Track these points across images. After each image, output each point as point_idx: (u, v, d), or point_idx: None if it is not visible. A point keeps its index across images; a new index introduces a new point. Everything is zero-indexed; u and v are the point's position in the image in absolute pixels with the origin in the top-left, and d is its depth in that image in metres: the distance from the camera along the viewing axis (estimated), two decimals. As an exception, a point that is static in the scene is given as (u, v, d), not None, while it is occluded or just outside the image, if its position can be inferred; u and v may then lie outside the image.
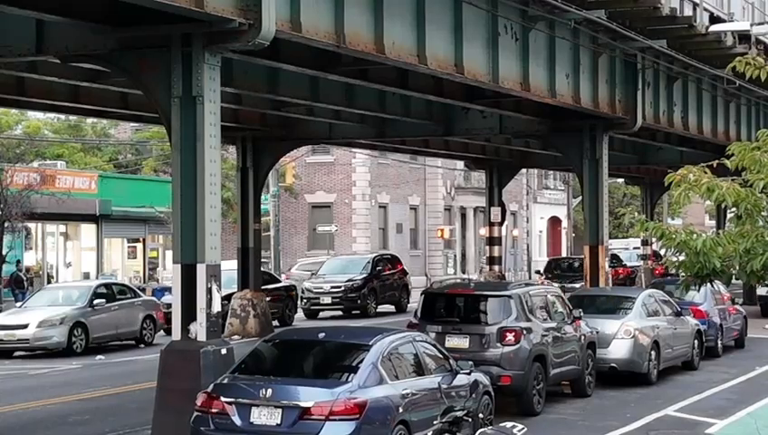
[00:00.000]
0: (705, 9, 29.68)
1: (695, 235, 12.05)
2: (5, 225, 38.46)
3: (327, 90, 27.33)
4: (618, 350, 23.00)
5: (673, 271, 13.65)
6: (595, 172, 31.27)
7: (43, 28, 18.27)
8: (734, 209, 12.55)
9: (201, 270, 17.01)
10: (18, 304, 36.32)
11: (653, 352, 23.60)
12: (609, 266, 35.47)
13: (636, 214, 13.61)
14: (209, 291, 17.05)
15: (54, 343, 30.79)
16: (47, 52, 18.75)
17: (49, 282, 44.33)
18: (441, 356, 16.15)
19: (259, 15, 16.73)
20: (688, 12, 28.74)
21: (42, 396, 22.95)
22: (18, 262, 41.33)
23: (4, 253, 38.85)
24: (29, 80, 24.16)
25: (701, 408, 20.56)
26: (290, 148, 37.12)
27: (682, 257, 12.27)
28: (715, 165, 12.84)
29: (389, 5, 20.25)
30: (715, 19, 30.16)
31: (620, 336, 23.09)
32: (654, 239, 50.68)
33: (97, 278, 44.41)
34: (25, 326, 30.62)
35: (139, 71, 17.97)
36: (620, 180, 67.85)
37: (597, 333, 22.38)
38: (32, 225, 44.71)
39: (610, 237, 43.65)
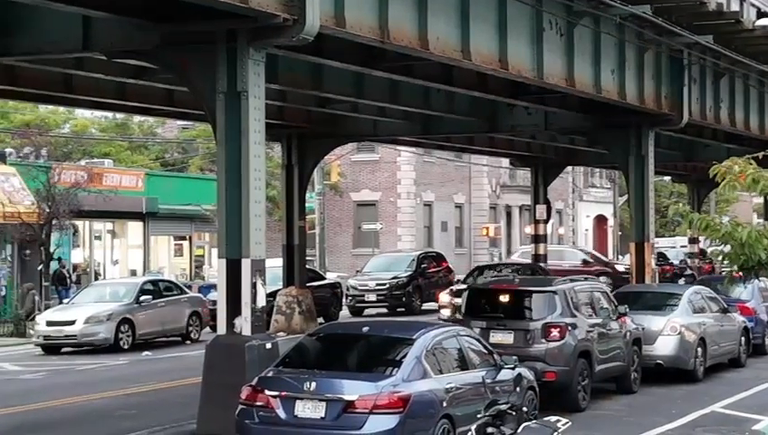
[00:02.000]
0: (752, 4, 29.39)
1: (740, 226, 11.97)
2: (53, 222, 38.76)
3: (371, 86, 27.34)
4: (664, 346, 22.89)
5: (717, 263, 13.56)
6: (641, 169, 31.07)
7: (89, 24, 18.38)
8: None
9: (246, 265, 17.08)
10: (65, 300, 36.66)
11: (699, 349, 23.47)
12: (656, 265, 35.23)
13: (681, 205, 13.51)
14: (254, 286, 17.11)
15: (101, 339, 31.03)
16: (93, 48, 18.88)
17: (96, 279, 44.61)
18: (485, 351, 16.13)
19: (303, 11, 16.76)
20: (735, 7, 28.48)
21: (88, 391, 23.13)
22: (60, 259, 41.64)
23: (51, 250, 39.16)
24: (76, 77, 24.34)
25: (748, 405, 20.40)
26: (334, 145, 37.17)
27: (727, 249, 12.18)
28: (760, 156, 12.74)
29: (433, 1, 20.23)
30: (762, 14, 29.87)
31: (666, 333, 22.98)
32: (701, 238, 50.41)
33: (143, 275, 44.69)
34: (73, 322, 30.89)
35: (183, 67, 18.09)
36: (667, 178, 67.39)
37: (643, 329, 22.26)
38: (79, 222, 44.99)
39: (657, 236, 43.35)
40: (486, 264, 45.53)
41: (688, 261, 54.92)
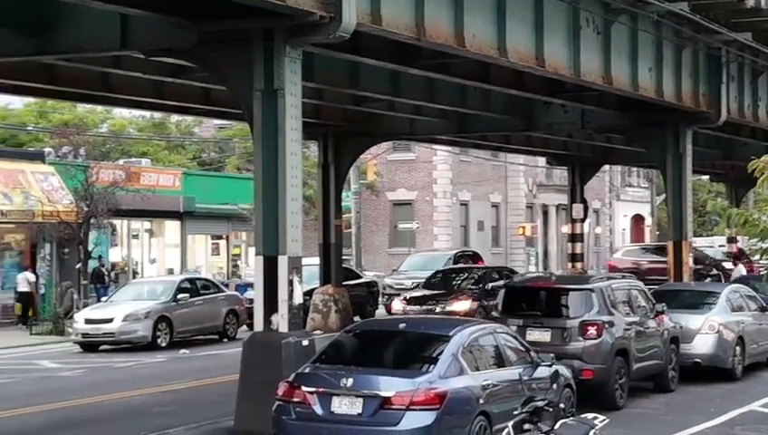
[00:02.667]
0: (792, 1, 29.21)
1: (779, 222, 11.89)
2: (92, 221, 39.00)
3: (407, 84, 27.33)
4: (702, 345, 22.79)
5: (756, 257, 13.47)
6: (678, 167, 30.91)
7: (127, 23, 18.47)
8: None
9: (283, 262, 17.12)
10: (104, 298, 36.90)
11: (738, 348, 23.35)
12: (739, 261, 35.01)
13: (719, 200, 13.43)
14: (291, 283, 17.15)
15: (139, 336, 31.22)
16: (131, 46, 18.96)
17: (134, 278, 44.87)
18: (522, 348, 16.09)
19: (339, 9, 16.78)
20: (774, 4, 28.32)
21: (126, 388, 23.28)
22: (101, 257, 41.92)
23: (90, 249, 39.41)
24: (114, 75, 24.46)
25: (787, 404, 20.29)
26: (371, 144, 37.20)
27: (766, 245, 12.11)
28: (800, 152, 12.65)
29: (469, -2, 20.22)
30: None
31: (704, 331, 22.87)
32: (739, 237, 49.96)
33: (181, 274, 44.90)
34: (111, 320, 31.09)
35: (220, 65, 18.16)
36: (705, 177, 67.04)
37: (680, 327, 22.17)
38: (117, 221, 45.26)
39: (695, 235, 43.03)
40: (449, 268, 39.67)
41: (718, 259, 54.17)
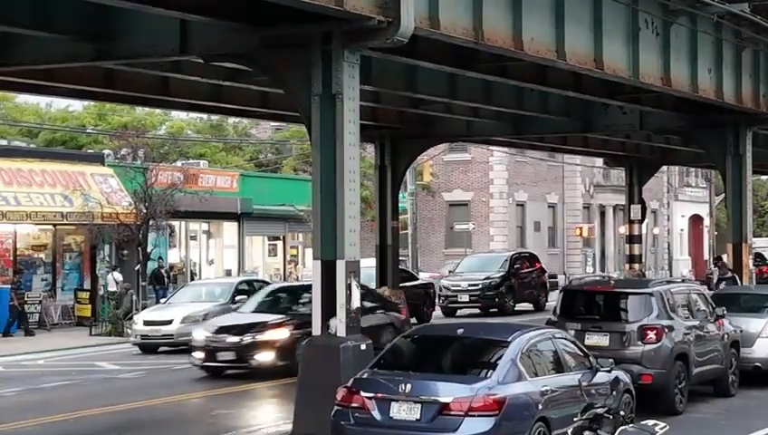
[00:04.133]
0: None
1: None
2: (150, 223, 39.31)
3: (464, 87, 27.31)
4: (762, 349, 22.55)
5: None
6: (738, 169, 30.66)
7: (187, 28, 18.61)
8: None
9: (340, 266, 17.16)
10: (162, 300, 37.14)
11: (799, 352, 23.06)
12: (753, 265, 34.68)
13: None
14: (348, 287, 17.18)
15: (197, 338, 31.31)
16: (191, 51, 19.10)
17: (192, 279, 45.15)
18: (581, 353, 16.02)
19: (398, 13, 16.79)
20: (836, 4, 28.01)
21: (185, 390, 23.46)
22: (161, 258, 42.23)
23: (148, 250, 39.72)
24: (173, 80, 24.66)
25: None
26: (427, 146, 37.21)
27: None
28: None
29: (528, 1, 20.15)
30: None
31: (765, 335, 22.64)
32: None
33: (238, 275, 45.12)
34: (169, 322, 31.26)
35: (279, 69, 18.24)
36: (764, 178, 66.43)
37: (740, 331, 21.97)
38: (175, 223, 45.58)
39: (754, 236, 42.70)
40: (288, 285, 34.03)
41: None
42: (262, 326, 25.21)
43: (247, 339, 24.98)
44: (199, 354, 25.52)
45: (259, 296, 28.32)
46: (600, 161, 59.91)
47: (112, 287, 38.99)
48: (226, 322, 26.49)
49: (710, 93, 27.10)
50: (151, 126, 59.48)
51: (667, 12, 24.42)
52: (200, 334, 25.73)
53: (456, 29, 18.67)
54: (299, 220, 49.82)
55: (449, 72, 24.75)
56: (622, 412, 14.83)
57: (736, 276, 30.33)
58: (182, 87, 25.49)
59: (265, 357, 24.67)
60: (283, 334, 24.88)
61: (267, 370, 24.62)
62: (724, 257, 35.26)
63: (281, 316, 25.62)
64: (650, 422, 12.83)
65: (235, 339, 25.15)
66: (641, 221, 46.06)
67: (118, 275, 39.63)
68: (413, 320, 35.22)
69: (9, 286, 37.34)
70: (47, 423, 19.68)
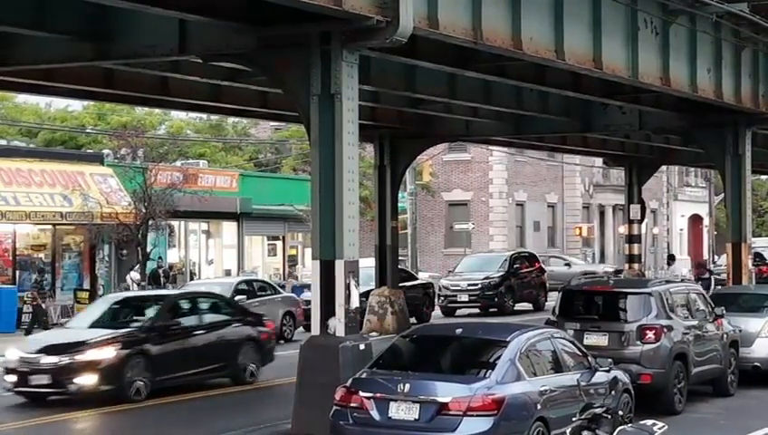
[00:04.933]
0: None
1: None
2: (150, 223, 39.32)
3: (464, 87, 27.33)
4: (761, 349, 22.54)
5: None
6: (738, 168, 30.67)
7: (186, 28, 18.61)
8: None
9: (340, 266, 17.16)
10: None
11: (799, 351, 23.05)
12: (753, 265, 34.67)
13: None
14: (348, 287, 17.18)
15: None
16: (190, 51, 19.11)
17: (191, 279, 45.16)
18: (579, 353, 16.02)
19: (396, 13, 16.78)
20: (835, 4, 28.01)
21: (183, 390, 23.38)
22: (160, 258, 42.24)
23: (148, 250, 39.73)
24: (172, 79, 24.67)
25: None
26: (427, 145, 37.24)
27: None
28: None
29: (527, 1, 20.16)
30: None
31: (764, 335, 22.64)
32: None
33: (238, 275, 45.12)
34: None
35: (278, 69, 18.24)
36: (764, 177, 66.44)
37: (740, 331, 21.96)
38: (175, 223, 45.61)
39: (754, 235, 42.66)
40: (137, 295, 29.92)
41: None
42: (82, 345, 21.16)
43: (65, 360, 20.90)
44: (11, 377, 21.42)
45: (96, 309, 24.30)
46: (599, 161, 59.93)
47: (133, 287, 38.99)
48: (50, 339, 22.73)
49: (709, 93, 27.10)
50: (150, 126, 59.48)
51: (667, 12, 24.43)
52: (14, 354, 21.54)
53: (456, 29, 18.67)
54: (298, 220, 49.85)
55: (448, 71, 24.76)
56: (621, 412, 14.86)
57: (712, 278, 30.46)
58: (181, 87, 25.51)
59: (87, 380, 20.67)
60: (107, 354, 20.97)
61: (90, 395, 20.80)
62: (718, 259, 35.19)
63: (107, 333, 21.59)
64: (649, 422, 12.84)
65: (53, 360, 21.01)
66: (641, 221, 46.05)
67: (135, 275, 39.61)
68: (413, 320, 35.21)
69: (31, 286, 37.66)
70: None
